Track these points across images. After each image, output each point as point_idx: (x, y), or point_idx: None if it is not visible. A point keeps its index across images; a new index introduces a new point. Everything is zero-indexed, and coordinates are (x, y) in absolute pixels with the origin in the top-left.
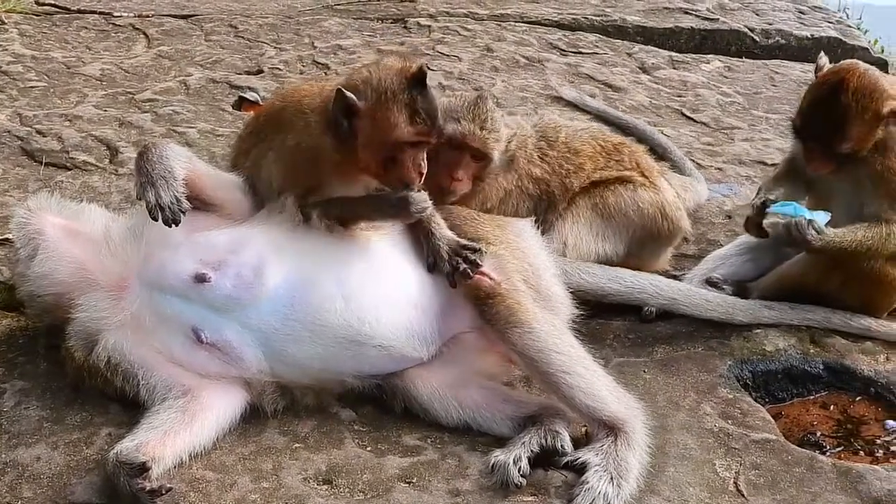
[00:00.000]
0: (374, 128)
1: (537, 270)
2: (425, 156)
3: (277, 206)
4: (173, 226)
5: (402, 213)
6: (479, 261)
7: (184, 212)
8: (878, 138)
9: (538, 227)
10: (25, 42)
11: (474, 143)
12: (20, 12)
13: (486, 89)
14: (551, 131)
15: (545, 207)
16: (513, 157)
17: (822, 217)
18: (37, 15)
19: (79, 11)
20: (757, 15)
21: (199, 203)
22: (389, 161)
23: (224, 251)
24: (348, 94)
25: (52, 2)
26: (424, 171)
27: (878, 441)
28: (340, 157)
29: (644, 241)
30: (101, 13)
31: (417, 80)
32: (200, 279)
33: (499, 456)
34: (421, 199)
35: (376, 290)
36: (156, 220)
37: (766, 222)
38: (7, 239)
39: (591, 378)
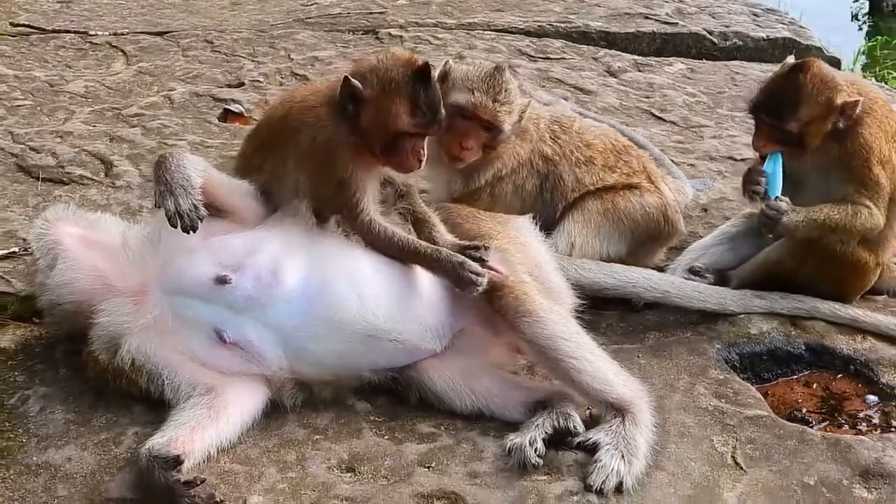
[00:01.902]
0: (377, 116)
1: (539, 263)
2: (425, 143)
3: (291, 209)
4: (191, 232)
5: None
6: (484, 258)
7: (201, 219)
8: (829, 129)
9: (543, 215)
10: (6, 62)
11: (485, 115)
12: None
13: (504, 61)
14: (566, 119)
15: (551, 188)
16: (525, 128)
17: None
18: (13, 36)
19: (54, 31)
20: (714, 18)
21: (213, 210)
22: (390, 147)
23: (242, 254)
24: (354, 81)
25: (27, 22)
26: (424, 157)
27: (861, 415)
28: (356, 140)
29: (645, 243)
30: (76, 32)
31: (422, 74)
32: (221, 281)
33: (514, 439)
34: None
35: (389, 286)
36: (175, 227)
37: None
38: (14, 252)
39: (597, 362)
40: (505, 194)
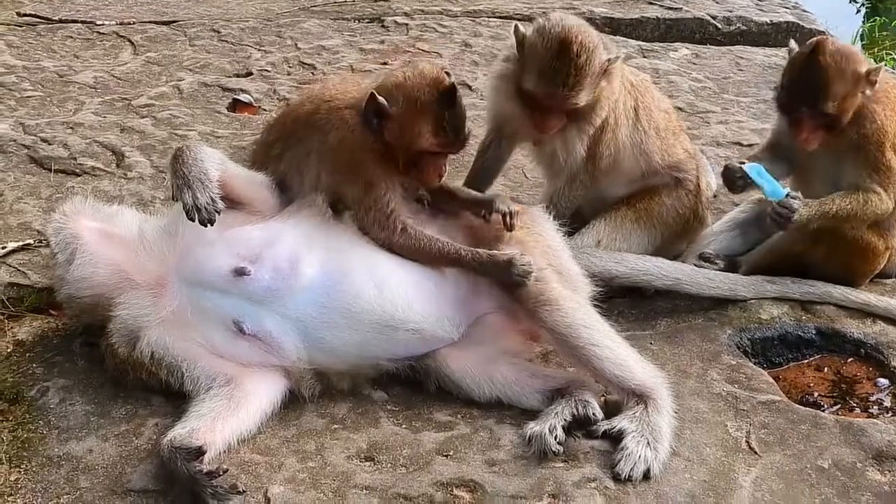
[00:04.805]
0: (401, 133)
1: (556, 252)
2: (447, 161)
3: (307, 200)
4: (209, 225)
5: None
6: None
7: (219, 212)
8: (857, 105)
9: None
10: (14, 53)
11: (553, 102)
12: (3, 24)
13: (573, 30)
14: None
15: (646, 115)
16: (610, 76)
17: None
18: (20, 26)
19: (60, 21)
20: (717, 3)
21: (229, 201)
22: (412, 162)
23: (259, 245)
24: (380, 98)
25: (33, 13)
26: (444, 173)
27: (872, 398)
28: (382, 146)
29: (672, 239)
30: (83, 22)
31: (448, 94)
32: (240, 273)
33: (534, 427)
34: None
35: (406, 276)
36: (192, 220)
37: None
38: (29, 244)
39: (618, 349)
40: (618, 116)
